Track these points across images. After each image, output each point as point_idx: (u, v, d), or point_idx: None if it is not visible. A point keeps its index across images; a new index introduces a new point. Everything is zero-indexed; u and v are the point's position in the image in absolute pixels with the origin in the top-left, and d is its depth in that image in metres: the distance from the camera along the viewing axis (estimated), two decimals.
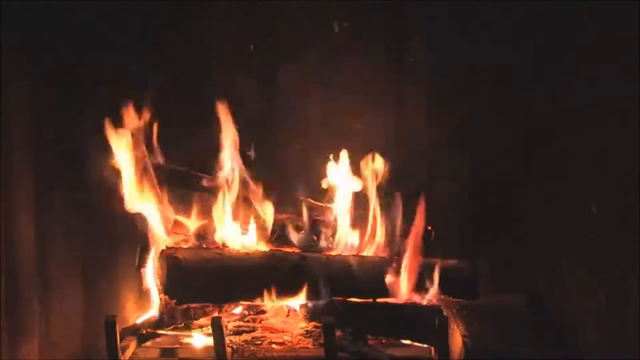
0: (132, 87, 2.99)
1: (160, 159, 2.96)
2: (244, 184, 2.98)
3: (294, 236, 2.98)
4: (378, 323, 2.77)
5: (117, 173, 2.86)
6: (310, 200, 3.10)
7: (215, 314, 2.82)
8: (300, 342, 2.81)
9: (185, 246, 2.90)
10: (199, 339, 2.80)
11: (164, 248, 2.79)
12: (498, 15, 3.05)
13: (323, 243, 3.02)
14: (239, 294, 2.82)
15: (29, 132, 2.78)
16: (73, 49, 2.94)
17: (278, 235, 2.98)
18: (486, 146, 3.11)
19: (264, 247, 2.94)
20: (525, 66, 3.01)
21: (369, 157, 3.04)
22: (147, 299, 2.92)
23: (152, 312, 2.86)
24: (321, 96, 3.20)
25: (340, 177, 3.08)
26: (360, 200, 3.06)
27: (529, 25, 2.99)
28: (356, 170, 3.07)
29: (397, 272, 2.84)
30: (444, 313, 2.62)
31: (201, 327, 2.88)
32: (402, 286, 2.84)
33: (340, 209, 3.06)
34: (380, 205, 3.02)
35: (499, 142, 3.10)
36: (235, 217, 2.96)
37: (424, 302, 2.82)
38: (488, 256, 3.06)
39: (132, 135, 2.88)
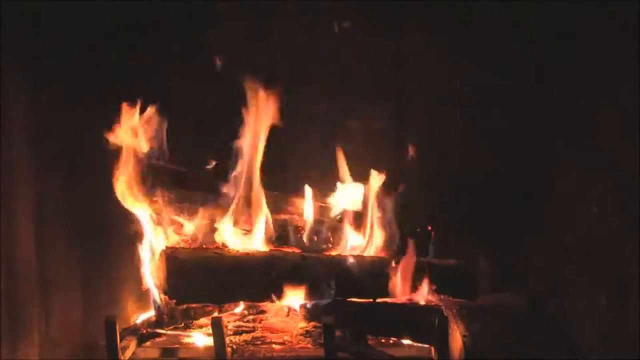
0: (133, 88, 2.99)
1: (162, 159, 2.96)
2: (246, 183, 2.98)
3: (294, 236, 2.99)
4: (378, 323, 2.77)
5: (118, 173, 2.87)
6: (311, 200, 3.10)
7: (215, 314, 2.82)
8: (300, 342, 2.81)
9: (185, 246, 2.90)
10: (199, 339, 2.80)
11: (164, 248, 2.79)
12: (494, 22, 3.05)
13: (323, 243, 3.02)
14: (239, 294, 2.82)
15: (30, 133, 2.78)
16: (75, 49, 2.93)
17: (278, 235, 2.98)
18: (487, 147, 3.11)
19: (264, 247, 2.93)
20: (526, 65, 3.02)
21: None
22: (147, 299, 2.92)
23: (152, 312, 2.86)
24: (323, 97, 3.20)
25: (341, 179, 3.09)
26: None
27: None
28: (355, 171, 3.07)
29: (397, 272, 2.84)
30: (444, 313, 2.62)
31: (201, 327, 2.88)
32: (401, 286, 2.85)
33: (340, 208, 3.07)
34: (380, 205, 3.02)
35: (500, 142, 3.10)
36: (235, 217, 2.95)
37: (424, 302, 2.83)
38: (488, 256, 3.05)
39: (135, 135, 2.88)
